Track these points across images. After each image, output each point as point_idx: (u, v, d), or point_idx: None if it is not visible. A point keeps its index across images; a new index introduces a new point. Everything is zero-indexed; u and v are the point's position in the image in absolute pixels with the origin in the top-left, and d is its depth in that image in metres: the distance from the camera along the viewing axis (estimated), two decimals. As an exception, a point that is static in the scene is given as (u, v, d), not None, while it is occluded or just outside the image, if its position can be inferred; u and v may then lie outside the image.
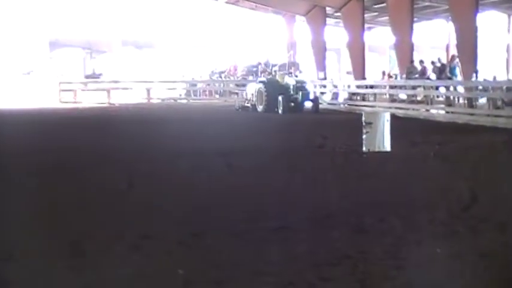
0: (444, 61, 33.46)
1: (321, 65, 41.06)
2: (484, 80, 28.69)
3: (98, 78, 48.45)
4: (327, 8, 41.18)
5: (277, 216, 8.90)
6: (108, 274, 6.57)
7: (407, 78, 32.00)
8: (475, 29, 27.81)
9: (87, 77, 48.67)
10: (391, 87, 32.96)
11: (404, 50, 33.27)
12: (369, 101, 34.33)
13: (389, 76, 37.66)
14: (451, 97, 29.63)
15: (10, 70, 46.07)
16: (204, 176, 12.55)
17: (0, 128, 22.30)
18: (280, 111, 31.44)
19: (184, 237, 7.83)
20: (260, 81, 34.35)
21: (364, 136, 16.16)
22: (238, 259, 7.02)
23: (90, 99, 42.29)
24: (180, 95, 46.73)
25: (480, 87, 27.85)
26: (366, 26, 39.34)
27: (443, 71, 31.29)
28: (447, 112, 28.13)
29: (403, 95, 32.48)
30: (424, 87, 30.56)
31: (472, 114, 26.04)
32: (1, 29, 47.83)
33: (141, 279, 6.41)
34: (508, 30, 39.54)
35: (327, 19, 42.02)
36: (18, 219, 8.80)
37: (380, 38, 47.20)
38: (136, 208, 9.56)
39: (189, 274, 6.50)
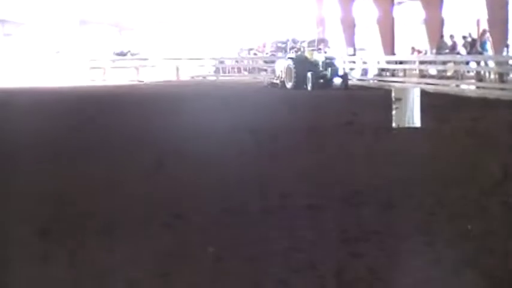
0: (475, 36, 33.16)
1: (350, 41, 40.87)
2: (515, 54, 28.41)
3: (126, 55, 48.41)
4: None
5: (307, 194, 8.91)
6: (141, 253, 6.62)
7: (438, 53, 31.78)
8: (506, 3, 27.55)
9: (118, 54, 48.62)
10: (421, 62, 32.75)
11: (434, 25, 33.02)
12: (398, 76, 34.15)
13: (419, 51, 37.38)
14: (482, 72, 29.41)
15: (41, 49, 46.31)
16: (233, 153, 12.57)
17: (30, 107, 22.41)
18: (309, 88, 31.39)
19: (216, 214, 7.87)
20: (289, 58, 34.29)
21: (393, 112, 16.10)
22: (270, 236, 7.05)
23: (119, 77, 42.43)
24: (209, 72, 46.75)
25: (511, 61, 27.59)
26: (396, 0, 39.07)
27: (473, 46, 31.03)
28: (478, 87, 27.94)
29: (433, 71, 32.29)
30: (454, 63, 30.35)
31: (503, 89, 25.85)
32: (32, 8, 48.04)
33: (173, 257, 6.46)
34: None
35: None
36: (52, 200, 8.87)
37: (410, 12, 46.81)
38: (167, 187, 9.61)
39: (221, 251, 6.54)
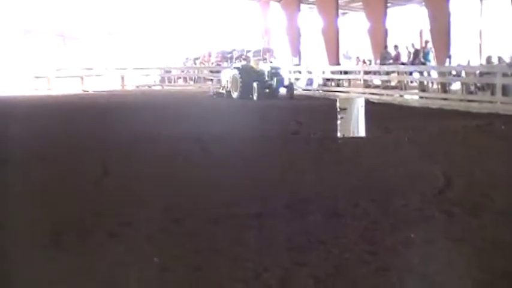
0: (418, 46, 33.61)
1: (296, 51, 41.11)
2: (458, 65, 28.86)
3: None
4: (301, -6, 41.26)
5: (253, 202, 8.95)
6: (86, 263, 6.59)
7: (381, 63, 32.13)
8: (448, 14, 28.01)
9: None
10: (366, 72, 33.06)
11: (378, 35, 33.42)
12: (343, 86, 34.42)
13: (364, 62, 37.77)
14: (425, 82, 29.80)
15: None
16: (180, 162, 12.58)
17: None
18: (255, 98, 31.44)
19: (163, 223, 7.87)
20: (235, 68, 34.32)
21: (338, 122, 16.24)
22: (216, 245, 7.07)
23: (63, 87, 42.04)
24: (155, 82, 46.60)
25: (453, 72, 28.02)
26: (340, 11, 39.44)
27: (416, 56, 31.44)
28: (421, 97, 28.29)
29: (377, 81, 32.62)
30: (398, 73, 30.69)
31: (445, 99, 26.22)
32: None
33: (119, 267, 6.44)
34: (481, 15, 39.72)
35: (301, 5, 42.06)
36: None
37: (354, 23, 47.25)
38: (112, 195, 9.58)
39: (168, 260, 6.54)
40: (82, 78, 43.61)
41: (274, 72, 32.73)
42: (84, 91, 41.38)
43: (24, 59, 45.92)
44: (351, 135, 15.98)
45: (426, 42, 32.24)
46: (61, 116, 24.02)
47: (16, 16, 49.08)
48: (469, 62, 30.49)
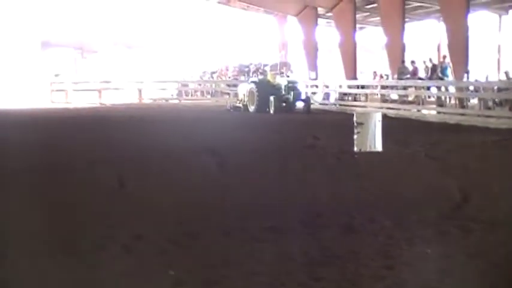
0: (435, 61, 33.52)
1: (313, 65, 41.11)
2: (475, 80, 28.76)
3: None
4: (319, 9, 41.25)
5: (268, 216, 8.91)
6: (99, 274, 6.57)
7: (399, 78, 32.06)
8: (466, 29, 27.91)
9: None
10: (383, 87, 32.99)
11: (396, 50, 33.37)
12: (360, 101, 34.37)
13: (381, 76, 37.72)
14: (443, 97, 29.71)
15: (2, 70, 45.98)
16: (195, 175, 12.56)
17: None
18: (271, 111, 31.48)
19: (176, 236, 7.83)
20: (252, 82, 34.37)
21: (355, 136, 16.19)
22: (230, 259, 7.03)
23: (81, 100, 42.24)
24: (172, 95, 46.69)
25: (471, 87, 27.92)
26: (358, 26, 39.42)
27: (434, 71, 31.37)
28: (438, 112, 28.21)
29: (394, 95, 32.54)
30: (416, 88, 30.63)
31: (463, 115, 26.11)
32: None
33: (132, 279, 6.41)
34: (499, 30, 39.61)
35: (319, 19, 42.08)
36: (9, 219, 8.77)
37: (372, 38, 47.24)
38: (127, 208, 9.56)
39: (181, 274, 6.50)
40: (100, 92, 43.78)
41: (291, 86, 32.76)
42: (102, 104, 41.53)
43: (43, 72, 46.17)
44: (368, 149, 15.93)
45: (444, 57, 32.16)
46: (78, 128, 24.08)
47: (34, 29, 49.37)
48: (487, 77, 30.41)
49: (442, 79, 30.23)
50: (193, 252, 7.29)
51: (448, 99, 29.78)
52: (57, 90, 44.17)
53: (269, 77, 34.83)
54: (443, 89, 29.87)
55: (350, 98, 35.60)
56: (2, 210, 9.43)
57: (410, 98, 31.47)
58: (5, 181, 11.86)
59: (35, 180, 11.99)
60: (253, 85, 33.03)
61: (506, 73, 28.35)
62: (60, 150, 16.55)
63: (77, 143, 18.46)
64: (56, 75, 46.35)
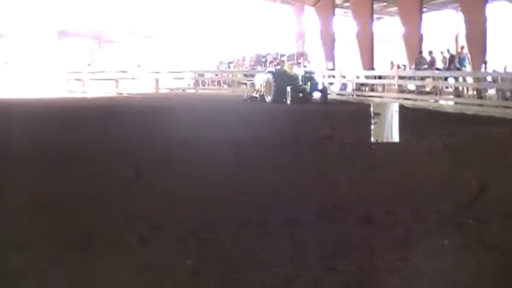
0: (453, 52, 33.39)
1: (330, 56, 41.03)
2: (493, 71, 28.63)
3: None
4: (336, -2, 41.20)
5: (285, 208, 8.91)
6: (117, 266, 6.59)
7: (416, 68, 31.96)
8: (485, 20, 27.81)
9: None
10: (400, 77, 32.91)
11: (413, 40, 33.28)
12: (377, 91, 34.29)
13: (398, 67, 37.62)
14: (460, 88, 29.60)
15: (20, 60, 46.18)
16: (213, 166, 12.57)
17: (9, 119, 22.32)
18: (288, 102, 31.45)
19: (194, 228, 7.84)
20: (268, 72, 34.34)
21: (372, 127, 16.15)
22: (247, 250, 7.04)
23: (98, 89, 42.38)
24: (189, 85, 46.75)
25: (489, 78, 27.80)
26: (375, 16, 39.30)
27: (452, 62, 31.25)
28: (456, 103, 28.12)
29: (411, 86, 32.45)
30: (433, 78, 30.53)
31: (480, 105, 26.02)
32: (11, 20, 47.85)
33: (149, 270, 6.43)
34: (517, 21, 39.42)
35: (336, 9, 41.98)
36: (27, 210, 8.82)
37: (389, 28, 47.10)
38: (145, 199, 9.59)
39: (198, 266, 6.51)
40: (117, 81, 43.90)
41: (308, 77, 32.71)
42: (119, 94, 41.63)
43: (60, 62, 46.33)
44: (385, 140, 15.90)
45: (462, 47, 32.04)
46: (95, 118, 24.15)
47: (52, 18, 49.50)
48: (505, 67, 30.25)
49: (459, 70, 30.11)
50: (211, 244, 7.30)
51: (465, 90, 29.66)
52: (74, 80, 44.31)
53: (286, 68, 34.79)
54: (460, 79, 29.76)
55: (367, 89, 35.54)
56: (19, 201, 9.46)
57: (427, 89, 31.39)
58: (22, 172, 11.92)
59: (52, 171, 12.04)
60: (270, 75, 33.00)
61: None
62: (78, 141, 16.60)
63: (94, 133, 18.52)
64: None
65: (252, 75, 39.51)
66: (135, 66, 47.44)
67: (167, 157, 13.75)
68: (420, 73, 31.23)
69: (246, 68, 47.11)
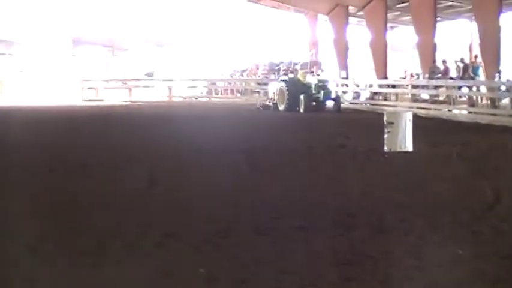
0: (467, 61, 33.33)
1: (343, 64, 41.01)
2: (507, 80, 28.55)
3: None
4: (349, 7, 41.13)
5: (299, 215, 8.92)
6: (131, 272, 6.60)
7: (430, 78, 31.91)
8: (499, 29, 27.73)
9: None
10: (414, 86, 32.87)
11: (427, 49, 33.20)
12: (391, 100, 34.25)
13: (412, 76, 37.55)
14: (474, 97, 29.53)
15: (33, 68, 46.35)
16: (226, 173, 12.59)
17: (24, 126, 22.41)
18: (301, 110, 31.44)
19: (208, 235, 7.85)
20: (282, 80, 34.35)
21: (386, 136, 16.13)
22: (262, 257, 7.04)
23: (111, 97, 42.50)
24: (202, 93, 46.82)
25: (503, 87, 27.72)
26: (389, 25, 39.27)
27: (466, 71, 31.19)
28: (470, 112, 28.05)
29: (425, 95, 32.39)
30: (447, 87, 30.48)
31: (494, 115, 25.96)
32: (25, 27, 48.05)
33: (164, 277, 6.44)
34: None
35: (349, 18, 41.96)
36: (42, 217, 8.85)
37: (403, 37, 47.04)
38: (159, 206, 9.61)
39: (213, 272, 6.52)
40: (130, 89, 44.02)
41: (321, 85, 32.72)
42: (132, 102, 41.73)
43: (73, 70, 46.48)
44: (398, 149, 15.87)
45: (475, 56, 31.98)
46: (109, 126, 24.21)
47: (66, 27, 49.67)
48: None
49: (473, 79, 30.05)
50: (225, 251, 7.31)
51: (479, 99, 29.59)
52: (87, 88, 44.44)
53: (299, 76, 34.80)
54: (474, 88, 29.70)
55: (380, 98, 35.50)
56: (34, 207, 9.49)
57: (441, 98, 31.32)
58: (38, 179, 11.97)
59: (67, 178, 12.08)
60: (283, 84, 33.01)
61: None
62: (93, 149, 16.64)
63: (109, 141, 18.56)
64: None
65: (265, 84, 39.53)
66: (145, 75, 47.51)
67: (181, 165, 13.79)
68: (434, 82, 31.19)
69: (259, 76, 47.14)
